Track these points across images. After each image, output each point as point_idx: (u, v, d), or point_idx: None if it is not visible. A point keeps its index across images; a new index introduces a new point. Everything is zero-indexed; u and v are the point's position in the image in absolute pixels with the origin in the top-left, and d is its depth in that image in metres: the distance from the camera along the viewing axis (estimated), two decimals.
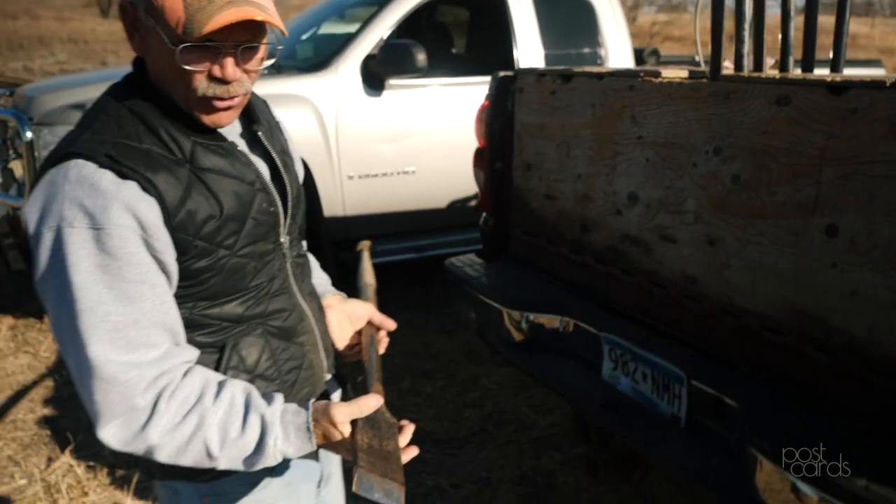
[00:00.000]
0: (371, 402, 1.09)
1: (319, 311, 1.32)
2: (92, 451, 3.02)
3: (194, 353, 1.10)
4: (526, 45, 4.57)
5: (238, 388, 1.08)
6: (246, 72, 1.07)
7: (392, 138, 4.17)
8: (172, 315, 1.06)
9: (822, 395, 1.55)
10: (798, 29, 1.95)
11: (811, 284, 1.56)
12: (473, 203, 4.42)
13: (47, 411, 3.39)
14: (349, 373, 1.41)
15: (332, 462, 1.42)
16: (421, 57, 3.92)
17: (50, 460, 2.98)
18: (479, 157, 2.69)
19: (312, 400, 1.11)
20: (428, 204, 4.35)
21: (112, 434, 1.01)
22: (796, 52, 2.00)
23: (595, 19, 4.75)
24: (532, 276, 2.45)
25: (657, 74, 1.98)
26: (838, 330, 1.51)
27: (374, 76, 4.07)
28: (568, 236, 2.33)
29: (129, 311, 1.00)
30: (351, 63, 4.07)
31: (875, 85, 1.43)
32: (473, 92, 4.36)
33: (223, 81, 1.04)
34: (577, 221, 2.27)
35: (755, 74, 1.78)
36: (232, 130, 1.17)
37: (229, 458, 1.05)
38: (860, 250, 1.47)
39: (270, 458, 1.06)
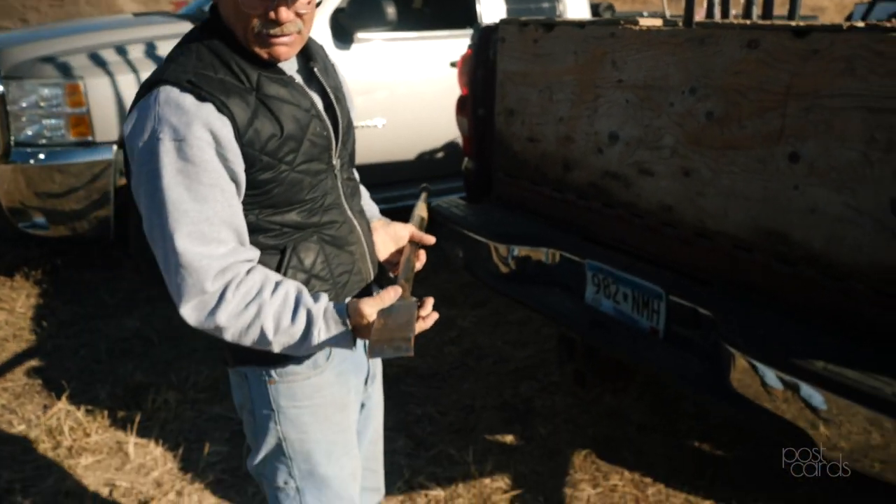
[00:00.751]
0: (390, 294, 1.29)
1: (368, 229, 1.53)
2: (88, 397, 3.12)
3: (256, 253, 1.30)
4: None
5: (291, 287, 1.27)
6: (298, 15, 1.25)
7: (362, 91, 4.26)
8: (239, 218, 1.27)
9: (785, 301, 1.79)
10: None
11: (776, 205, 1.80)
12: (441, 154, 4.58)
13: (34, 363, 3.45)
14: (390, 283, 1.59)
15: (377, 364, 1.64)
16: (391, 10, 4.01)
17: (46, 407, 3.06)
18: (462, 104, 2.85)
19: (349, 299, 1.31)
20: (397, 156, 4.48)
21: (189, 313, 1.22)
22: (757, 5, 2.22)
23: None
24: (516, 214, 2.64)
25: (636, 23, 2.17)
26: (799, 243, 1.75)
27: (344, 29, 4.15)
28: (551, 176, 2.52)
29: (202, 209, 1.20)
30: (320, 16, 4.13)
31: (834, 29, 1.65)
32: (440, 46, 4.48)
33: (277, 22, 1.22)
34: (560, 161, 2.47)
35: (727, 21, 1.99)
36: (291, 67, 1.36)
37: (281, 344, 1.26)
38: (819, 173, 1.70)
39: (315, 346, 1.27)
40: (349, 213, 1.45)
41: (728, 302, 1.87)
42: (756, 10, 2.27)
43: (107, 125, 3.62)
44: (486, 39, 2.71)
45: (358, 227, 1.47)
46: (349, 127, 1.46)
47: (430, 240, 1.58)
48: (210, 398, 3.13)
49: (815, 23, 1.72)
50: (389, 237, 1.57)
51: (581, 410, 2.93)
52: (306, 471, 1.47)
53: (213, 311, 1.22)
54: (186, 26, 4.11)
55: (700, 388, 1.83)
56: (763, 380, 1.63)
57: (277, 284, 1.27)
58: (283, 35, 1.24)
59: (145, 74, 3.65)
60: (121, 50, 3.70)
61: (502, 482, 2.54)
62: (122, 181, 4.02)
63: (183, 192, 1.19)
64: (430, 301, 1.33)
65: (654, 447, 2.70)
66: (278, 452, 1.46)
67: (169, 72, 1.23)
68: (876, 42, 1.56)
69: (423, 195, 1.76)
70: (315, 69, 1.39)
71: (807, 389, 1.53)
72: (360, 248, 1.46)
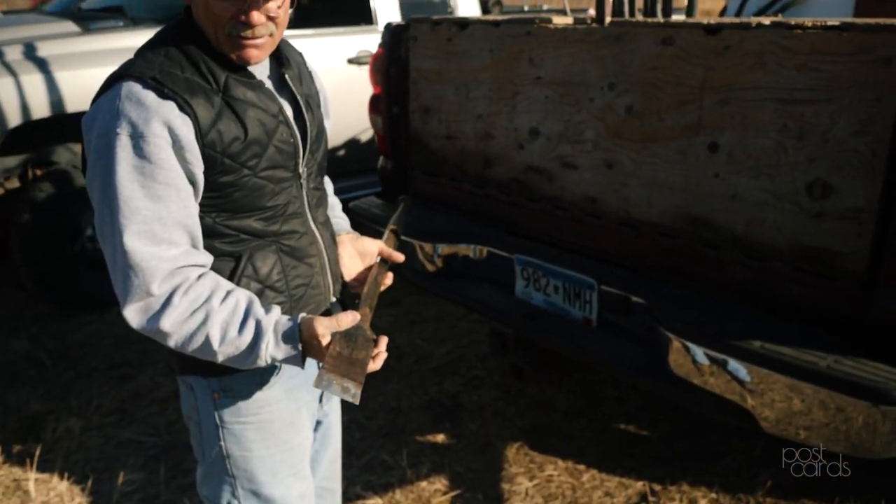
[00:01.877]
0: (348, 318, 1.23)
1: (331, 241, 1.47)
2: None
3: (209, 258, 1.26)
4: None
5: (242, 296, 1.23)
6: (270, 18, 1.22)
7: None
8: (193, 220, 1.22)
9: (712, 283, 1.89)
10: None
11: (698, 193, 1.89)
12: (343, 152, 4.50)
13: None
14: (351, 301, 1.53)
15: None
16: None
17: None
18: (375, 103, 2.81)
19: (302, 314, 1.25)
20: None
21: (132, 315, 1.18)
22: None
23: None
24: (437, 212, 2.63)
25: (550, 21, 2.21)
26: (722, 228, 1.85)
27: None
28: (471, 172, 2.53)
29: (156, 208, 1.17)
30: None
31: (743, 26, 1.75)
32: (336, 42, 4.41)
33: (248, 25, 1.20)
34: (480, 158, 2.48)
35: (641, 19, 2.06)
36: (263, 72, 1.33)
37: (226, 355, 1.20)
38: (737, 161, 1.80)
39: (262, 360, 1.21)
40: (312, 224, 1.41)
41: (658, 288, 1.95)
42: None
43: None
44: (397, 38, 2.69)
45: (320, 240, 1.42)
46: (319, 136, 1.42)
47: (399, 257, 1.54)
48: (117, 422, 2.94)
49: (727, 19, 1.82)
50: (357, 252, 1.53)
51: (507, 402, 2.98)
52: (250, 491, 1.41)
53: (157, 315, 1.17)
54: (65, 25, 3.82)
55: (639, 373, 1.90)
56: (702, 361, 1.71)
57: (228, 293, 1.22)
58: (253, 38, 1.22)
59: (25, 77, 3.44)
60: None
61: (440, 483, 2.54)
62: (0, 191, 3.70)
63: (137, 188, 1.15)
64: (383, 341, 1.29)
65: (583, 432, 2.78)
66: (221, 470, 1.41)
67: (135, 67, 1.20)
68: (784, 38, 1.67)
69: (401, 207, 1.70)
70: (286, 75, 1.36)
71: (743, 367, 1.62)
72: (319, 260, 1.41)
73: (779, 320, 1.71)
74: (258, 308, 1.22)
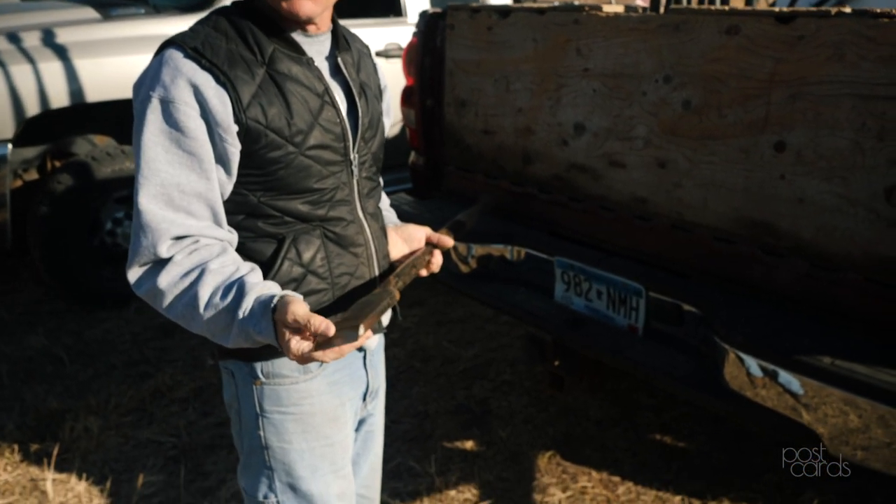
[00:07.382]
0: (322, 326, 1.03)
1: (381, 232, 1.41)
2: None
3: (231, 236, 1.21)
4: None
5: (245, 265, 1.17)
6: None
7: None
8: (215, 195, 1.18)
9: (773, 293, 1.76)
10: None
11: (761, 195, 1.76)
12: None
13: None
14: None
15: (379, 378, 1.52)
16: None
17: None
18: (408, 95, 2.69)
19: (286, 292, 1.12)
20: None
21: (133, 274, 1.16)
22: None
23: None
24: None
25: (600, 9, 2.08)
26: (787, 234, 1.72)
27: None
28: (509, 169, 2.41)
29: (175, 174, 1.14)
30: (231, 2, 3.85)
31: (820, 14, 1.62)
32: (364, 34, 4.29)
33: None
34: (519, 154, 2.36)
35: (704, 7, 1.93)
36: (318, 51, 1.28)
37: (207, 321, 1.12)
38: (806, 162, 1.67)
39: (239, 332, 1.09)
40: (360, 213, 1.34)
41: (713, 296, 1.82)
42: None
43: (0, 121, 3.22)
44: (432, 26, 2.57)
45: (367, 229, 1.35)
46: (373, 125, 1.35)
47: (448, 242, 1.46)
48: (137, 421, 2.85)
49: (801, 8, 1.68)
50: (401, 238, 1.46)
51: (538, 409, 2.86)
52: (287, 484, 1.36)
53: (157, 272, 1.13)
54: (85, 11, 3.73)
55: (689, 386, 1.77)
56: (765, 377, 1.58)
57: (233, 261, 1.15)
58: None
59: (43, 65, 3.35)
60: (13, 38, 3.29)
61: (469, 493, 2.43)
62: (18, 183, 3.62)
63: (160, 152, 1.14)
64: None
65: (617, 442, 2.66)
66: (260, 462, 1.35)
67: (181, 36, 1.19)
68: (867, 28, 1.54)
69: (478, 205, 1.62)
70: (339, 59, 1.31)
71: (813, 385, 1.49)
72: (366, 250, 1.35)
73: (850, 335, 1.58)
74: (253, 277, 1.13)
